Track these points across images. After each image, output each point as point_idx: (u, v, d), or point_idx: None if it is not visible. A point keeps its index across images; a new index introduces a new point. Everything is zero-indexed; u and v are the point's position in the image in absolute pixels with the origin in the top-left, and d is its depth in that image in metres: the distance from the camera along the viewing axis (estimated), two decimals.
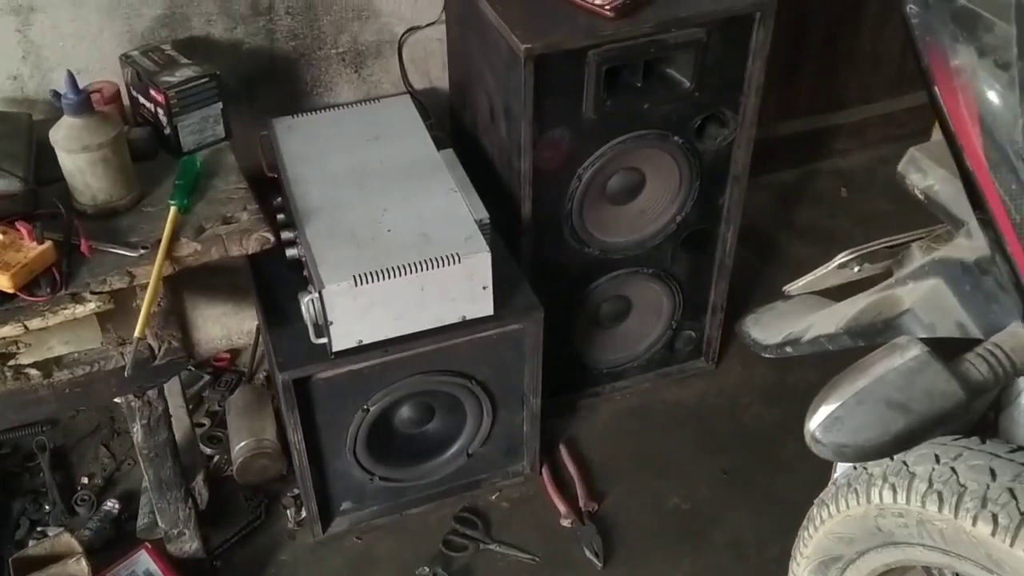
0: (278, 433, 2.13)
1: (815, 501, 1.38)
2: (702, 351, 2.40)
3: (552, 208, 1.96)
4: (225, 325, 2.40)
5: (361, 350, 1.77)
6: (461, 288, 1.77)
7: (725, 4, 1.83)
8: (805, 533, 1.39)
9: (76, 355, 1.53)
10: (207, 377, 2.35)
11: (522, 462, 2.14)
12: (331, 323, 1.71)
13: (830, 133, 3.06)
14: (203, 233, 1.67)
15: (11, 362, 1.49)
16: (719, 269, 2.23)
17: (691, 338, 2.36)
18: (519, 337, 1.91)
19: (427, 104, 2.19)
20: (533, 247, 2.00)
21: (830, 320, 1.20)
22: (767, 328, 1.36)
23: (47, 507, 2.05)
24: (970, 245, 1.07)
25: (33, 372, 1.48)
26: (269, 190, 1.94)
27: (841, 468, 1.47)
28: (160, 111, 1.79)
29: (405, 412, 1.96)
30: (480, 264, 1.75)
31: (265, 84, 2.10)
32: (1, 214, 1.60)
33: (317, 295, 1.68)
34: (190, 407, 2.24)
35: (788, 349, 1.27)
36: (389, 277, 1.70)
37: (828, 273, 1.26)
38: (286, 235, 1.83)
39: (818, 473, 2.14)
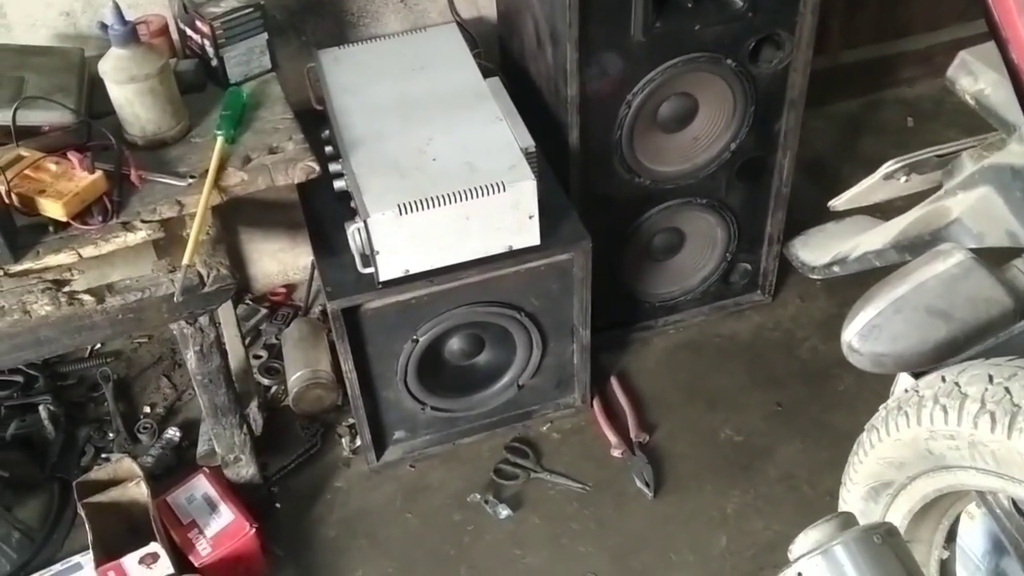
0: (333, 365, 2.16)
1: (865, 426, 1.34)
2: (758, 284, 2.35)
3: (601, 136, 1.93)
4: (281, 260, 2.44)
5: (408, 280, 1.78)
6: (507, 217, 1.75)
7: None
8: (855, 458, 1.36)
9: (128, 281, 1.56)
10: (264, 311, 2.39)
11: (573, 394, 2.13)
12: (377, 252, 1.72)
13: (896, 61, 2.94)
14: (249, 163, 1.68)
15: (66, 288, 1.52)
16: (776, 198, 2.17)
17: (747, 271, 2.31)
18: (567, 268, 1.89)
19: (475, 33, 2.16)
20: (582, 177, 1.97)
21: (878, 237, 1.16)
22: (816, 249, 1.32)
23: (111, 435, 2.12)
24: (1022, 150, 1.01)
25: (87, 298, 1.51)
26: (318, 123, 1.94)
27: (895, 394, 1.43)
28: (206, 42, 1.80)
29: (455, 343, 1.97)
30: (526, 192, 1.73)
31: (312, 16, 2.09)
32: (55, 145, 1.63)
33: (363, 224, 1.69)
34: (248, 339, 2.29)
35: (835, 269, 1.23)
36: (434, 206, 1.69)
37: (875, 184, 1.20)
38: (334, 167, 1.84)
39: (875, 408, 2.10)
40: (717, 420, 2.14)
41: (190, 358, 1.69)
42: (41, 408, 2.09)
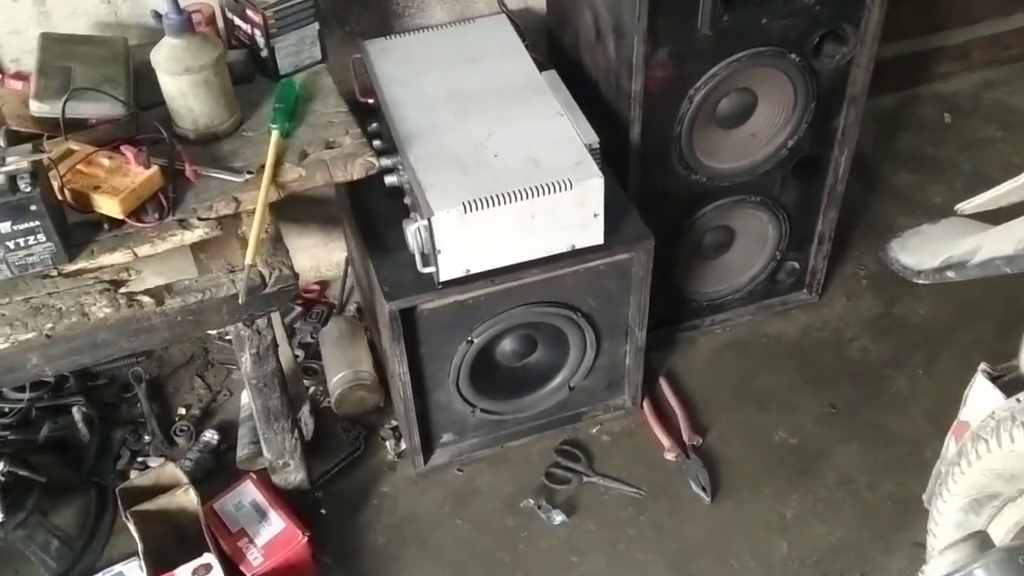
0: (373, 365, 2.10)
1: (966, 436, 1.30)
2: (805, 283, 2.30)
3: (660, 132, 1.87)
4: (314, 256, 2.37)
5: (468, 280, 1.72)
6: (572, 216, 1.70)
7: None
8: (956, 468, 1.31)
9: (187, 282, 1.49)
10: (298, 308, 2.32)
11: (623, 395, 2.08)
12: (439, 252, 1.66)
13: (932, 56, 2.90)
14: (306, 158, 1.62)
15: (123, 289, 1.45)
16: (829, 197, 2.13)
17: (794, 269, 2.27)
18: (626, 267, 1.84)
19: (522, 24, 2.09)
20: (640, 174, 1.91)
21: (1005, 241, 1.11)
22: (916, 252, 1.27)
23: (147, 437, 2.05)
24: None
25: (146, 300, 1.44)
26: (364, 115, 1.87)
27: (985, 404, 1.38)
28: (257, 32, 1.73)
29: (508, 344, 1.91)
30: (592, 190, 1.68)
31: (356, 6, 2.03)
32: (103, 139, 1.56)
33: (425, 223, 1.62)
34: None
35: (949, 274, 1.18)
36: (499, 204, 1.63)
37: (1013, 190, 1.15)
38: (384, 162, 1.77)
39: (930, 410, 2.07)
40: (770, 422, 2.09)
41: (245, 361, 1.62)
42: (74, 410, 2.01)
